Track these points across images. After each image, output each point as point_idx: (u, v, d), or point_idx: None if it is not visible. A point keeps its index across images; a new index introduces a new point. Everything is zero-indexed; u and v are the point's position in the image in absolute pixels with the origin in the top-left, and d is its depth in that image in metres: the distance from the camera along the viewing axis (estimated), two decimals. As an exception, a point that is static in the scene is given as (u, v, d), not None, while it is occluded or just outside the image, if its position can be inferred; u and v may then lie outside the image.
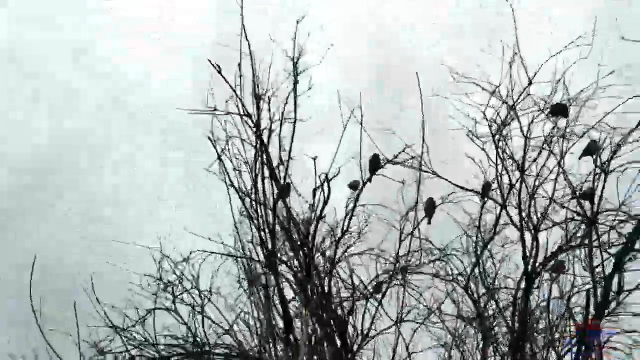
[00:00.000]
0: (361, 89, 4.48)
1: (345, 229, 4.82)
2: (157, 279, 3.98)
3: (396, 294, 4.85)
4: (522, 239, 4.24)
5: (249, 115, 3.67)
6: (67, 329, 3.52)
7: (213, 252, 4.21)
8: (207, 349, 3.85)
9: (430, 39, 4.61)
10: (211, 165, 3.76)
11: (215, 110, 3.64)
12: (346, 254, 4.98)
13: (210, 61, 3.67)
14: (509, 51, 4.07)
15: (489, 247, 4.60)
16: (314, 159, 3.88)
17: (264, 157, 3.84)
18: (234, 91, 3.60)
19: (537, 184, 4.32)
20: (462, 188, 4.55)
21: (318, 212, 4.09)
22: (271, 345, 3.70)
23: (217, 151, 3.75)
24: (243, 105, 3.65)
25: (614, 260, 4.07)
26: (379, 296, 4.83)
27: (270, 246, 3.84)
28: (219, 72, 3.55)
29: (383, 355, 4.79)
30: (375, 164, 4.67)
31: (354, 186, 4.86)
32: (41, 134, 6.20)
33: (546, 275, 4.58)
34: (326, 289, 4.72)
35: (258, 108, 3.86)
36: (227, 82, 3.64)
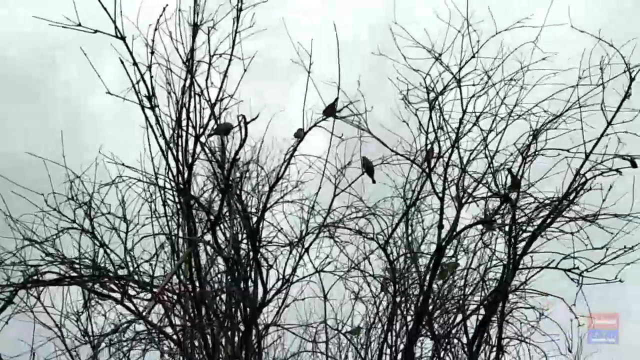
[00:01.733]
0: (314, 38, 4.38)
1: (280, 175, 4.87)
2: (69, 197, 3.96)
3: (321, 246, 5.03)
4: (441, 207, 4.33)
5: (123, 38, 3.47)
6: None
7: (140, 180, 4.19)
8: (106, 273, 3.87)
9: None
10: (128, 90, 3.64)
11: (80, 25, 3.43)
12: (280, 200, 5.10)
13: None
14: (460, 18, 3.99)
15: (415, 211, 4.72)
16: (240, 118, 3.78)
17: (192, 89, 3.74)
18: (105, 9, 3.33)
19: (466, 158, 4.39)
20: (394, 152, 4.58)
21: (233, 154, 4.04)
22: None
23: (129, 77, 3.60)
24: (117, 28, 3.42)
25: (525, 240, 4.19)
26: (305, 245, 4.97)
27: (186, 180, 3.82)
28: None
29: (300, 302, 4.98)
30: (332, 108, 4.66)
31: (297, 135, 4.86)
32: None
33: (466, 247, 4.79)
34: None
35: (194, 38, 3.74)
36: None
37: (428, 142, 4.28)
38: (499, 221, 4.33)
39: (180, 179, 3.80)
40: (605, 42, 3.85)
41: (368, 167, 4.92)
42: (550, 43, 4.08)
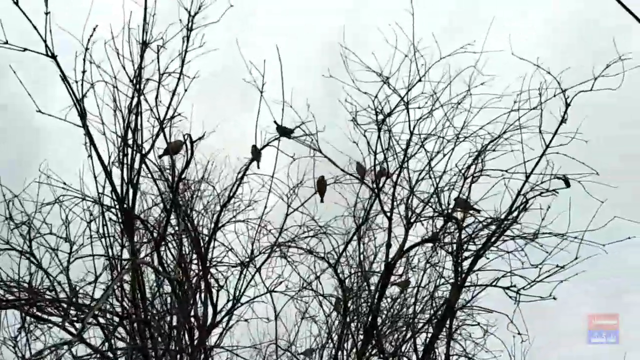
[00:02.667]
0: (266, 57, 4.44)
1: (232, 193, 4.85)
2: (6, 217, 3.81)
3: (273, 265, 5.01)
4: (389, 227, 4.41)
5: (54, 57, 3.41)
6: None
7: (85, 198, 4.07)
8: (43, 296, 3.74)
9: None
10: (70, 109, 3.56)
11: (7, 43, 3.36)
12: (233, 220, 5.07)
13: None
14: (407, 43, 4.13)
15: (366, 229, 4.78)
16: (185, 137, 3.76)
17: (139, 107, 3.69)
18: (32, 23, 3.25)
19: (413, 178, 4.51)
20: (345, 172, 4.65)
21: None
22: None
23: (73, 95, 3.53)
24: (47, 47, 3.37)
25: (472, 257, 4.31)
26: (257, 265, 4.94)
27: (131, 201, 3.75)
28: (15, 3, 3.24)
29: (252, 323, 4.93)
30: (285, 132, 4.69)
31: (253, 152, 4.87)
32: None
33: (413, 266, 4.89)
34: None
35: (141, 56, 3.71)
36: (24, 13, 3.17)
37: (377, 162, 4.36)
38: (446, 240, 4.43)
39: (124, 197, 3.71)
40: (543, 69, 4.05)
41: (320, 186, 4.97)
42: (494, 67, 4.26)
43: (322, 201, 4.96)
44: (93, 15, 3.38)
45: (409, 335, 4.77)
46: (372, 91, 4.35)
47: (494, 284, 4.28)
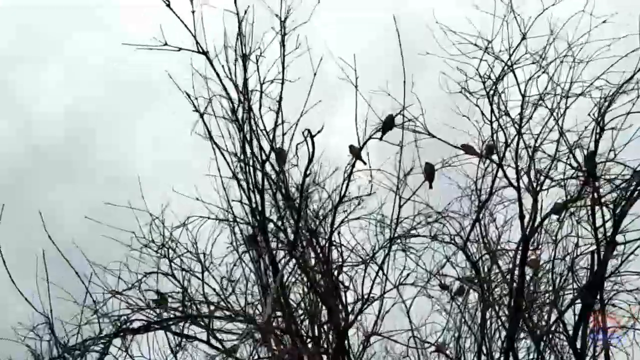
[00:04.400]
0: (357, 49, 4.39)
1: (342, 194, 4.81)
2: (149, 241, 4.01)
3: (395, 258, 4.89)
4: (519, 198, 4.15)
5: (205, 53, 3.53)
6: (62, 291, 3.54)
7: (210, 218, 4.21)
8: (205, 311, 3.88)
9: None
10: (194, 126, 3.71)
11: (166, 44, 3.53)
12: (345, 220, 5.02)
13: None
14: (502, 6, 3.91)
15: (488, 207, 4.55)
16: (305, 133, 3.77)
17: (251, 117, 3.77)
18: (183, 23, 3.42)
19: (535, 142, 4.22)
20: (465, 147, 4.45)
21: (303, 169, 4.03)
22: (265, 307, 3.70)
23: (197, 110, 3.69)
24: (198, 43, 3.52)
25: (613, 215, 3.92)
26: (379, 261, 4.85)
27: (260, 208, 3.81)
28: (167, 5, 3.41)
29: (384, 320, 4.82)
30: (389, 124, 4.60)
31: (353, 152, 4.82)
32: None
33: (548, 239, 4.55)
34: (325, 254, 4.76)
35: (245, 68, 3.81)
36: (175, 13, 3.43)
37: (493, 131, 4.13)
38: (580, 202, 4.09)
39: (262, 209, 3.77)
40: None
41: (429, 173, 4.80)
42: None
43: (430, 187, 4.79)
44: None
45: (554, 314, 4.45)
46: (471, 62, 4.14)
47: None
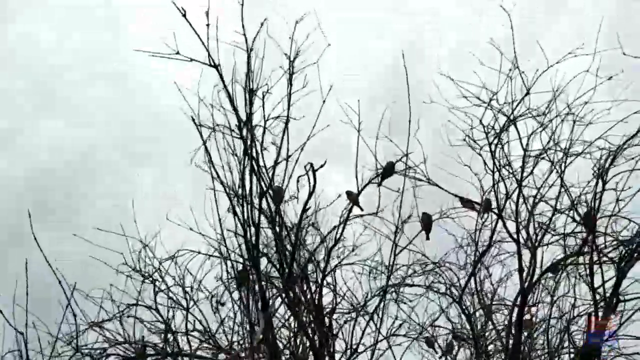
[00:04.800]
0: (361, 95, 4.44)
1: (337, 237, 4.72)
2: (135, 269, 3.87)
3: (388, 308, 4.75)
4: (518, 251, 4.09)
5: (216, 66, 3.53)
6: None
7: (200, 253, 4.10)
8: (186, 350, 3.69)
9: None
10: (195, 153, 3.67)
11: (178, 53, 3.51)
12: (338, 265, 4.90)
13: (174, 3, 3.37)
14: (506, 63, 4.00)
15: (484, 261, 4.47)
16: (307, 167, 3.75)
17: (253, 152, 3.74)
18: (198, 35, 3.41)
19: (536, 196, 4.21)
20: (463, 201, 4.42)
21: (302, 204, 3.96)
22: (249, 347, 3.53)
23: (202, 137, 3.66)
24: (210, 56, 3.51)
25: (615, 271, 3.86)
26: (371, 309, 4.71)
27: (254, 242, 3.71)
28: (183, 16, 3.41)
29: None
30: (390, 170, 4.58)
31: (351, 197, 4.77)
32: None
33: (545, 296, 4.46)
34: (315, 299, 4.62)
35: (251, 103, 3.81)
36: (191, 25, 3.39)
37: (494, 182, 4.12)
38: (580, 260, 4.03)
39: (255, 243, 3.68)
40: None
41: (426, 223, 4.75)
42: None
43: (427, 238, 4.72)
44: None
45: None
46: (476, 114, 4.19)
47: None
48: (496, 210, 4.16)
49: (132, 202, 3.73)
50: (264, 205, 3.90)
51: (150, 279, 3.90)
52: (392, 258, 4.63)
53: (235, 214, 3.68)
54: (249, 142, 3.74)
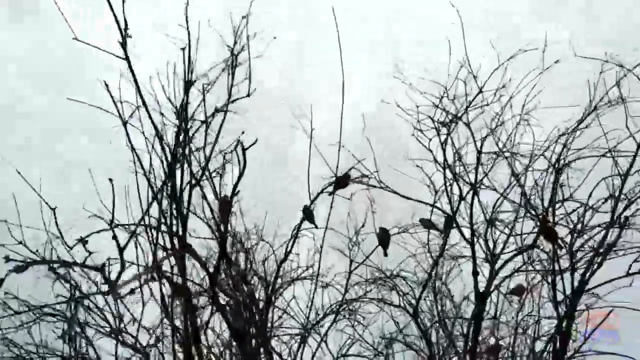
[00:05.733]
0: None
1: (288, 251, 4.42)
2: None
3: (341, 327, 4.40)
4: (473, 253, 3.83)
5: (126, 57, 3.28)
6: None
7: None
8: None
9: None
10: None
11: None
12: (289, 281, 4.57)
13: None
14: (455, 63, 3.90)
15: (440, 271, 4.17)
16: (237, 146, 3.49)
17: (188, 148, 3.51)
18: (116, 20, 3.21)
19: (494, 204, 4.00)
20: (424, 222, 4.20)
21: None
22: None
23: (121, 117, 3.38)
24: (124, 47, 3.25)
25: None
26: (323, 329, 4.35)
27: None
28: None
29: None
30: (343, 181, 4.34)
31: (306, 212, 4.52)
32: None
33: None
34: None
35: (186, 94, 3.60)
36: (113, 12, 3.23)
37: (446, 181, 3.91)
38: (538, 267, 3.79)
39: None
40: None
41: (383, 238, 4.48)
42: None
43: (385, 255, 4.44)
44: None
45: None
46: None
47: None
48: (449, 211, 3.91)
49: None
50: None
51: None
52: (348, 275, 4.39)
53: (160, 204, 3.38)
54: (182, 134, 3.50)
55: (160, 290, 3.59)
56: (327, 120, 4.37)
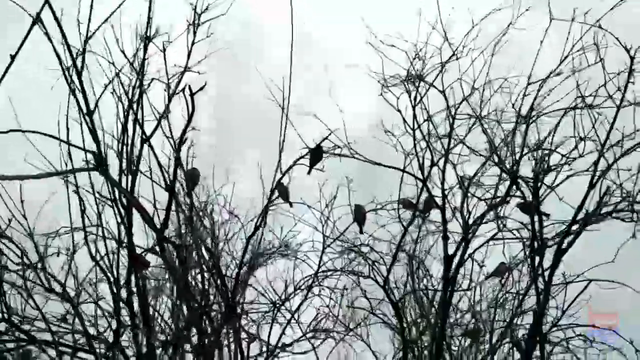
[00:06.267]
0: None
1: (257, 225, 4.26)
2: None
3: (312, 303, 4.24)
4: (443, 218, 3.67)
5: (37, 19, 2.99)
6: None
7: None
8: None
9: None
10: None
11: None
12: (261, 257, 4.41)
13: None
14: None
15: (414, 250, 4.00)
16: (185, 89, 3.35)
17: (141, 104, 3.36)
18: None
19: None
20: (405, 203, 4.03)
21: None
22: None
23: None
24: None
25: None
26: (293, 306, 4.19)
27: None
28: None
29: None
30: (317, 155, 4.19)
31: (280, 189, 4.36)
32: None
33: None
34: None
35: (145, 50, 3.46)
36: None
37: (416, 142, 3.75)
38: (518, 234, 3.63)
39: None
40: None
41: (359, 215, 4.32)
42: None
43: (361, 232, 4.27)
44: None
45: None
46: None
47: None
48: (420, 177, 3.75)
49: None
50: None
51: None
52: (321, 250, 4.23)
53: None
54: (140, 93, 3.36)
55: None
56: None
